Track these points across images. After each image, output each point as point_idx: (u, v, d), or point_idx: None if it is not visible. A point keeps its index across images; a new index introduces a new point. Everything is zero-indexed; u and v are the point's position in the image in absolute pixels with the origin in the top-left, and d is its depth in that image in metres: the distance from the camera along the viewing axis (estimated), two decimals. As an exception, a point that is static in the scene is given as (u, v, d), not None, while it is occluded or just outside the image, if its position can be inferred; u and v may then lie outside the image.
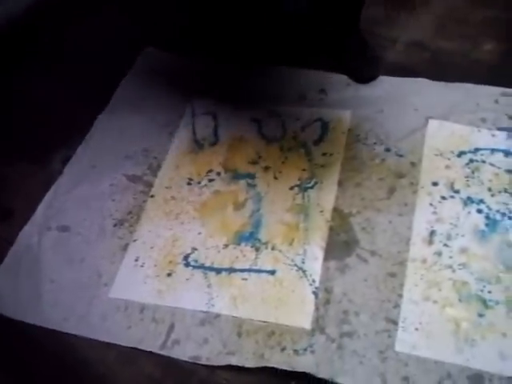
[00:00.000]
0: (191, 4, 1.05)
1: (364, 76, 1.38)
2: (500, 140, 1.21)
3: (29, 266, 1.21)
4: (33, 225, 1.28)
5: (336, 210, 1.18)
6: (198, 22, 1.07)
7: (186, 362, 1.05)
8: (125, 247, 1.21)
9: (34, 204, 1.31)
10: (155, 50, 1.55)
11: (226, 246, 1.17)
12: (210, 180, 1.27)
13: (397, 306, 1.04)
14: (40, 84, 1.56)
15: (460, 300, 1.03)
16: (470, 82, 1.31)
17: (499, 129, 1.23)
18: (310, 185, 1.22)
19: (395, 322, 1.02)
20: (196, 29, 1.09)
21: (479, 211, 1.13)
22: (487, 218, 1.11)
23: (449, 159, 1.20)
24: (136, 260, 1.19)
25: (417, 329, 1.01)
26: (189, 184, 1.28)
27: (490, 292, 1.03)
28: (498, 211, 1.12)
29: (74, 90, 1.52)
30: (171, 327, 1.09)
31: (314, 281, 1.10)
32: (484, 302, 1.02)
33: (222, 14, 1.21)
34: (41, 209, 1.30)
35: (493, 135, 1.22)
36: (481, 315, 1.01)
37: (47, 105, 1.51)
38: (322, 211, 1.18)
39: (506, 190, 1.14)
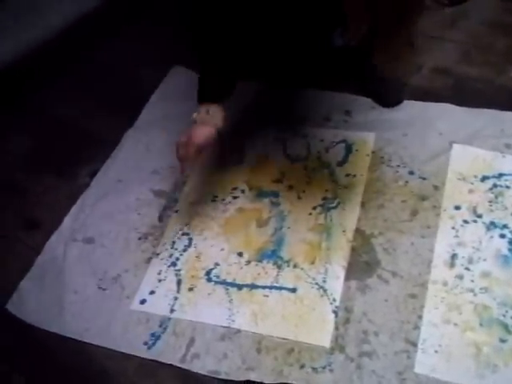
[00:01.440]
0: (227, 26, 1.10)
1: (390, 100, 1.40)
2: (525, 166, 1.22)
3: (54, 276, 1.23)
4: (59, 236, 1.30)
5: (358, 231, 1.19)
6: (229, 43, 1.10)
7: (204, 376, 1.06)
8: (148, 260, 1.23)
9: (60, 216, 1.34)
10: (183, 69, 1.59)
11: (249, 262, 1.19)
12: (235, 197, 1.29)
13: (416, 327, 1.04)
14: (69, 100, 1.60)
15: (481, 324, 1.03)
16: (493, 108, 1.32)
17: (524, 155, 1.23)
18: (333, 205, 1.23)
19: (414, 344, 1.02)
20: (224, 49, 1.13)
21: (502, 236, 1.13)
22: (510, 243, 1.11)
23: (472, 183, 1.21)
24: (159, 273, 1.20)
25: (436, 351, 1.01)
26: (213, 201, 1.30)
27: (512, 317, 1.03)
28: (521, 237, 1.12)
29: (103, 107, 1.56)
30: (191, 341, 1.10)
31: (334, 300, 1.10)
32: (506, 327, 1.02)
33: (256, 37, 1.25)
34: (67, 221, 1.33)
35: (517, 161, 1.22)
36: (503, 340, 1.00)
37: (76, 120, 1.55)
38: (344, 231, 1.19)
39: (529, 216, 1.14)
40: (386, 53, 1.10)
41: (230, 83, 1.17)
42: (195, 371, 1.07)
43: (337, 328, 1.07)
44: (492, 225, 1.14)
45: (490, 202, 1.18)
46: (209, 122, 1.13)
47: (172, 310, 1.14)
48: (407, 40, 1.06)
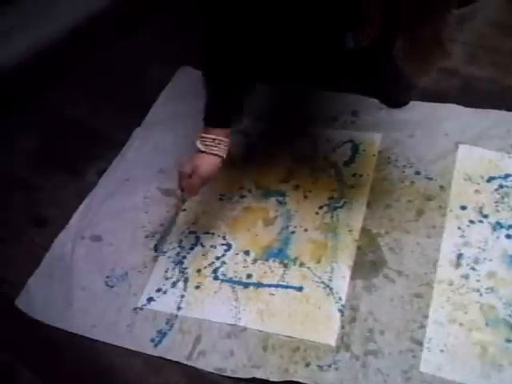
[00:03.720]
0: (235, 28, 1.10)
1: (397, 101, 1.41)
2: (531, 167, 1.22)
3: (62, 273, 1.24)
4: (67, 233, 1.31)
5: (364, 230, 1.19)
6: (237, 44, 1.10)
7: (211, 373, 1.07)
8: (155, 258, 1.24)
9: (68, 213, 1.35)
10: (190, 70, 1.60)
11: (255, 261, 1.19)
12: (242, 196, 1.30)
13: (422, 326, 1.05)
14: (78, 100, 1.61)
15: (487, 324, 1.03)
16: (500, 108, 1.33)
17: (530, 155, 1.24)
18: (339, 204, 1.24)
19: (420, 343, 1.03)
20: (232, 49, 1.13)
21: (508, 236, 1.13)
22: (516, 243, 1.12)
23: (478, 184, 1.21)
24: (165, 271, 1.21)
25: (442, 350, 1.01)
26: (220, 199, 1.31)
27: (518, 317, 1.03)
28: (527, 237, 1.12)
29: (111, 106, 1.57)
30: (198, 339, 1.11)
31: (340, 298, 1.11)
32: None
33: (263, 37, 1.25)
34: (75, 218, 1.34)
35: (524, 162, 1.23)
36: (509, 340, 1.01)
37: (84, 119, 1.56)
38: (350, 231, 1.19)
39: (536, 217, 1.15)
40: (412, 51, 1.09)
41: (239, 107, 1.13)
42: (201, 368, 1.07)
43: (343, 327, 1.07)
44: (498, 225, 1.15)
45: (496, 202, 1.18)
46: (214, 152, 1.09)
47: (179, 308, 1.15)
48: (435, 35, 1.05)
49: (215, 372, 1.06)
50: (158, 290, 1.19)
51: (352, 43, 1.10)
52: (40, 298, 1.21)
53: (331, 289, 1.12)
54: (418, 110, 1.38)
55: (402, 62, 1.22)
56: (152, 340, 1.12)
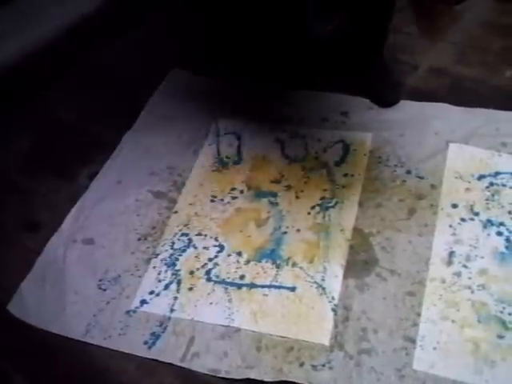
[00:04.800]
0: (219, 28, 1.09)
1: (386, 100, 1.42)
2: (521, 164, 1.23)
3: (54, 276, 1.24)
4: (59, 237, 1.31)
5: (356, 230, 1.20)
6: (225, 45, 1.10)
7: (205, 374, 1.06)
8: (148, 261, 1.24)
9: (60, 217, 1.34)
10: (182, 71, 1.60)
11: (248, 262, 1.19)
12: (233, 198, 1.30)
13: (415, 324, 1.05)
14: (69, 102, 1.61)
15: (479, 321, 1.04)
16: (490, 107, 1.34)
17: (520, 153, 1.25)
18: (331, 204, 1.24)
19: (413, 341, 1.03)
20: (222, 51, 1.13)
21: (499, 234, 1.14)
22: (507, 240, 1.12)
23: (469, 182, 1.22)
24: (158, 274, 1.21)
25: (435, 348, 1.02)
26: (212, 201, 1.31)
27: (510, 314, 1.04)
28: (518, 234, 1.13)
29: (102, 108, 1.57)
30: (191, 340, 1.11)
31: (333, 298, 1.11)
32: (504, 324, 1.03)
33: (249, 37, 1.25)
34: (67, 222, 1.34)
35: (514, 159, 1.24)
36: (500, 336, 1.01)
37: (76, 121, 1.56)
38: (342, 230, 1.20)
39: (526, 214, 1.16)
40: (421, 13, 1.07)
41: None
42: (195, 370, 1.07)
43: (336, 326, 1.08)
44: (489, 223, 1.16)
45: (486, 200, 1.19)
46: None
47: (172, 310, 1.15)
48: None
49: (209, 373, 1.06)
50: (151, 293, 1.18)
51: (318, 28, 1.08)
52: (32, 303, 1.21)
53: (324, 288, 1.13)
54: (407, 109, 1.38)
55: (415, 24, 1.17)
56: (145, 342, 1.12)
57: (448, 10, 1.04)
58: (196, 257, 1.22)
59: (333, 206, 1.24)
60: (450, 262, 1.11)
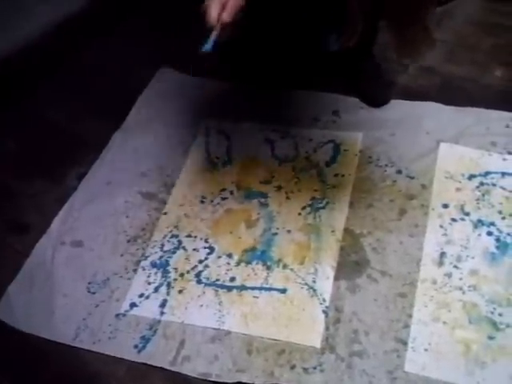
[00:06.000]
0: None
1: (377, 100, 1.41)
2: (511, 164, 1.23)
3: (42, 279, 1.23)
4: (47, 239, 1.29)
5: (347, 231, 1.19)
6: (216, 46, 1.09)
7: (195, 378, 1.06)
8: (137, 263, 1.22)
9: (48, 219, 1.33)
10: (170, 71, 1.59)
11: (238, 263, 1.18)
12: (223, 198, 1.29)
13: (406, 326, 1.05)
14: (57, 102, 1.59)
15: (470, 322, 1.04)
16: (480, 106, 1.33)
17: (510, 153, 1.24)
18: (321, 205, 1.24)
19: (404, 342, 1.03)
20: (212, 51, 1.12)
21: (489, 234, 1.13)
22: (497, 240, 1.12)
23: (459, 182, 1.22)
24: (148, 276, 1.20)
25: (426, 349, 1.02)
26: (202, 202, 1.30)
27: (500, 315, 1.04)
28: (508, 234, 1.13)
29: (90, 108, 1.55)
30: (182, 343, 1.10)
31: (324, 300, 1.10)
32: (494, 325, 1.03)
33: (243, 38, 1.24)
34: (55, 224, 1.32)
35: (504, 159, 1.23)
36: (491, 338, 1.01)
37: (64, 122, 1.54)
38: (333, 231, 1.19)
39: (516, 214, 1.16)
40: (401, 41, 1.08)
41: None
42: (186, 374, 1.06)
43: (327, 328, 1.07)
44: (479, 222, 1.15)
45: (477, 200, 1.19)
46: None
47: (162, 313, 1.14)
48: (422, 26, 1.05)
49: (200, 377, 1.05)
50: (141, 296, 1.17)
51: (336, 45, 1.10)
52: (20, 307, 1.19)
53: (315, 290, 1.12)
54: (398, 108, 1.38)
55: (392, 49, 1.18)
56: (135, 346, 1.11)
57: (428, 36, 1.05)
58: (186, 259, 1.21)
59: (323, 207, 1.23)
60: (441, 263, 1.11)
